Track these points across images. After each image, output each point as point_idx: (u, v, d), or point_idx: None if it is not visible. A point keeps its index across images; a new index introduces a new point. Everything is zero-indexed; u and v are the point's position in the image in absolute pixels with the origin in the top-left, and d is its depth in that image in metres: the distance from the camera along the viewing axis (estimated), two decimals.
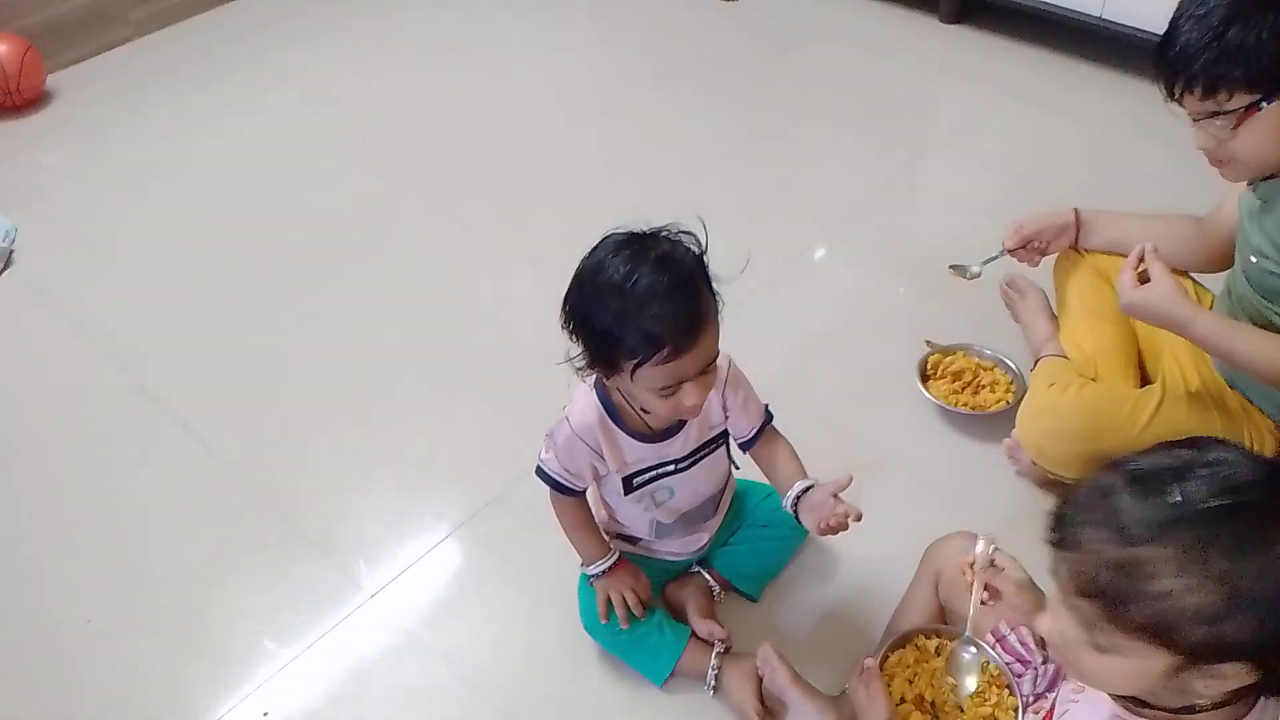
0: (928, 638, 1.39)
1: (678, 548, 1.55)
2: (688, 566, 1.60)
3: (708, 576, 1.59)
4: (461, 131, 2.77)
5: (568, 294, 1.23)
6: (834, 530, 1.33)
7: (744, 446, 1.48)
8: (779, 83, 2.91)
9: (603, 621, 1.47)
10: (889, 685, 1.36)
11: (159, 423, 1.97)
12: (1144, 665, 0.84)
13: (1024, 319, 1.96)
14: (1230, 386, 1.60)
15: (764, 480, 1.51)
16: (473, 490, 1.80)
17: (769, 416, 1.47)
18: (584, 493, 1.46)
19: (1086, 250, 1.80)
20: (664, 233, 1.20)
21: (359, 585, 1.67)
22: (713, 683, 1.47)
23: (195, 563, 1.72)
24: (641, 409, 1.33)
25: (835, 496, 1.34)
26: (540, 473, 1.42)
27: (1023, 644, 1.32)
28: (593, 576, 1.48)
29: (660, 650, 1.49)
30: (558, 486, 1.42)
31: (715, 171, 2.56)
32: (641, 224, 1.22)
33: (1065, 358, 1.76)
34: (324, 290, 2.27)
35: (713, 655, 1.48)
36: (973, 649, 1.34)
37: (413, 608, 1.64)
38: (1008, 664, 1.32)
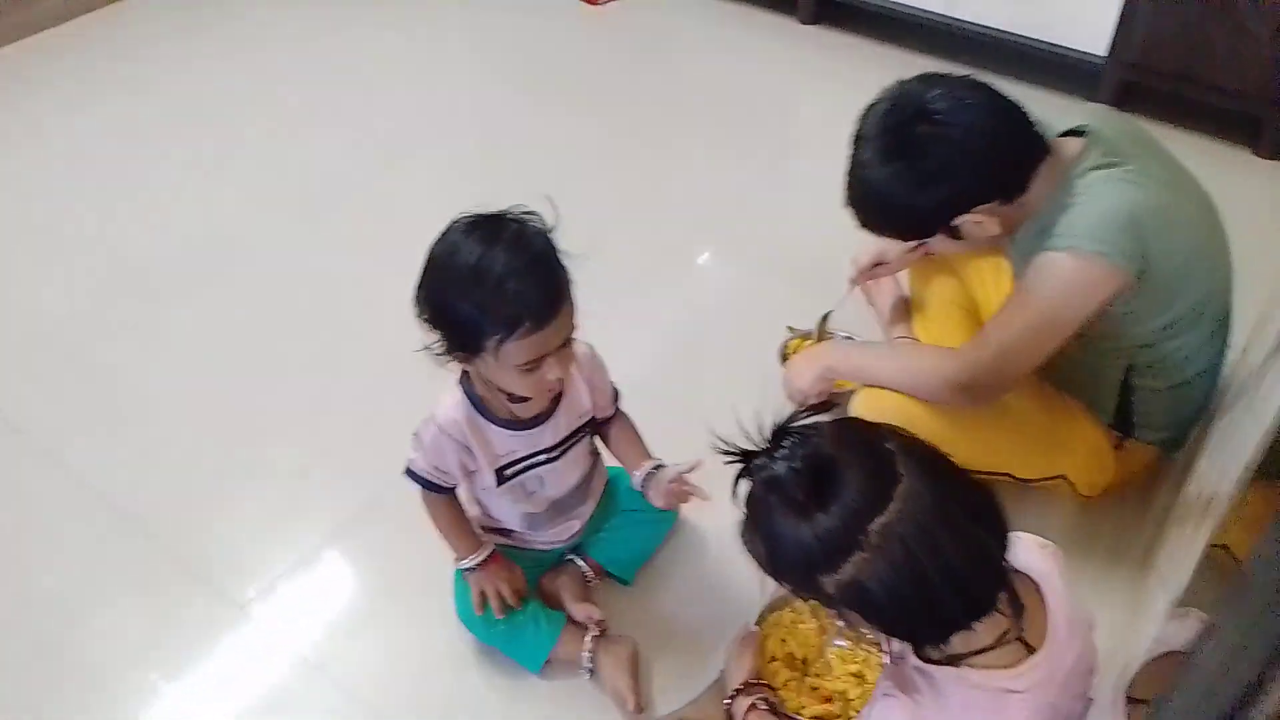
0: (804, 599, 1.45)
1: (550, 537, 1.57)
2: (561, 556, 1.62)
3: (581, 564, 1.61)
4: (326, 145, 2.74)
5: (420, 282, 1.23)
6: (680, 502, 1.44)
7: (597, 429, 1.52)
8: (644, 88, 2.96)
9: (478, 614, 1.48)
10: (763, 644, 1.41)
11: (17, 448, 1.90)
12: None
13: (879, 303, 2.04)
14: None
15: None
16: (345, 498, 1.79)
17: (618, 395, 1.52)
18: (454, 490, 1.47)
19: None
20: (509, 213, 1.22)
21: (235, 603, 1.64)
22: (588, 665, 1.49)
23: (60, 592, 1.66)
24: (509, 397, 1.34)
25: (681, 477, 1.42)
26: (409, 473, 1.43)
27: None
28: (466, 571, 1.49)
29: (536, 639, 1.50)
30: (428, 485, 1.43)
31: (586, 176, 2.60)
32: (485, 207, 1.23)
33: (915, 339, 1.85)
34: (185, 308, 2.22)
35: (588, 639, 1.50)
36: None
37: (290, 618, 1.62)
38: None
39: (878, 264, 1.90)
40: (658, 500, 1.45)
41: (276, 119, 2.85)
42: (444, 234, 1.23)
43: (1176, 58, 2.47)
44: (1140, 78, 2.59)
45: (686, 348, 2.10)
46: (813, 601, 1.42)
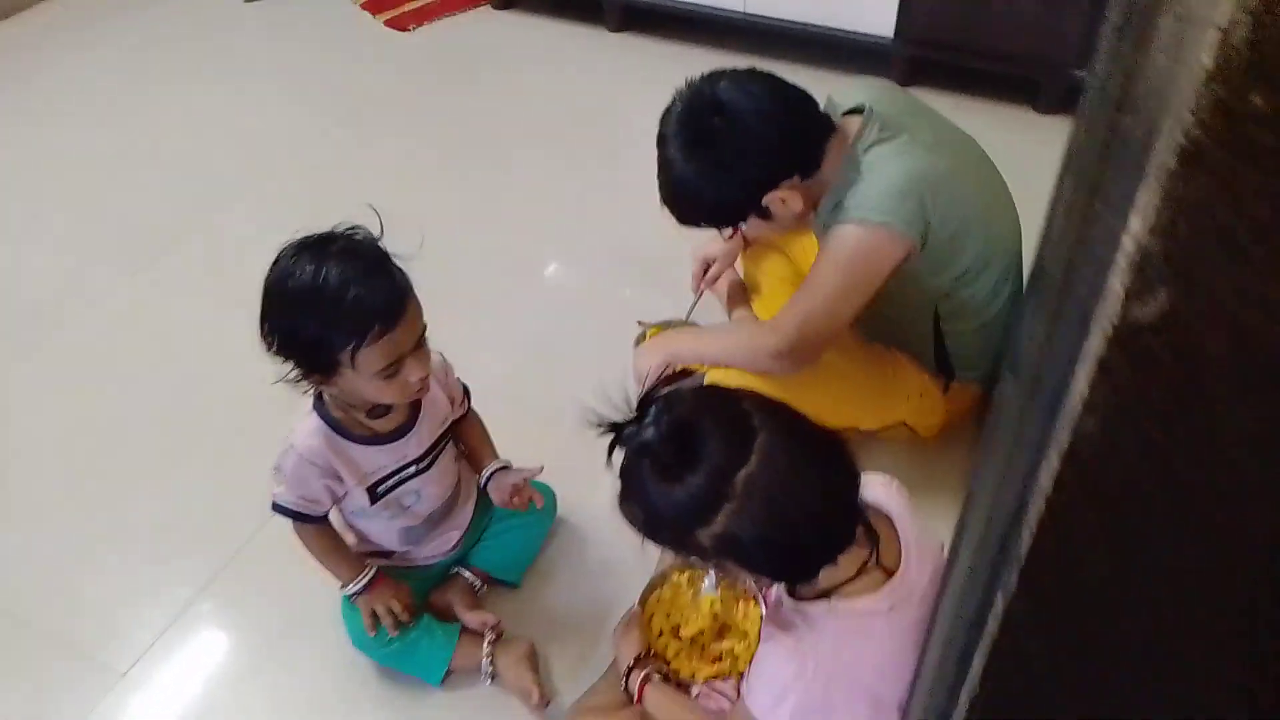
0: (680, 573, 1.52)
1: (430, 551, 1.58)
2: (447, 569, 1.64)
3: (468, 574, 1.63)
4: (147, 194, 2.65)
5: (263, 314, 1.24)
6: (518, 506, 1.54)
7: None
8: (467, 107, 2.99)
9: (371, 635, 1.48)
10: (650, 622, 1.47)
11: None
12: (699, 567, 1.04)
13: (719, 289, 2.15)
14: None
15: None
16: (213, 548, 1.75)
17: (468, 395, 1.57)
18: (325, 518, 1.47)
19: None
20: (334, 230, 1.25)
21: (116, 671, 1.58)
22: (489, 670, 1.51)
23: None
24: (368, 412, 1.36)
25: (525, 482, 1.51)
26: (276, 508, 1.42)
27: None
28: (354, 595, 1.49)
29: (432, 651, 1.51)
30: (297, 516, 1.42)
31: (421, 196, 2.60)
32: (307, 231, 1.26)
33: (756, 317, 1.97)
34: (18, 374, 2.12)
35: (485, 644, 1.52)
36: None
37: (175, 678, 1.58)
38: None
39: (708, 266, 2.01)
40: (497, 498, 1.53)
41: (91, 171, 2.74)
42: (275, 263, 1.24)
43: (957, 31, 2.68)
44: (926, 53, 2.79)
45: (539, 353, 2.14)
46: (689, 569, 1.51)
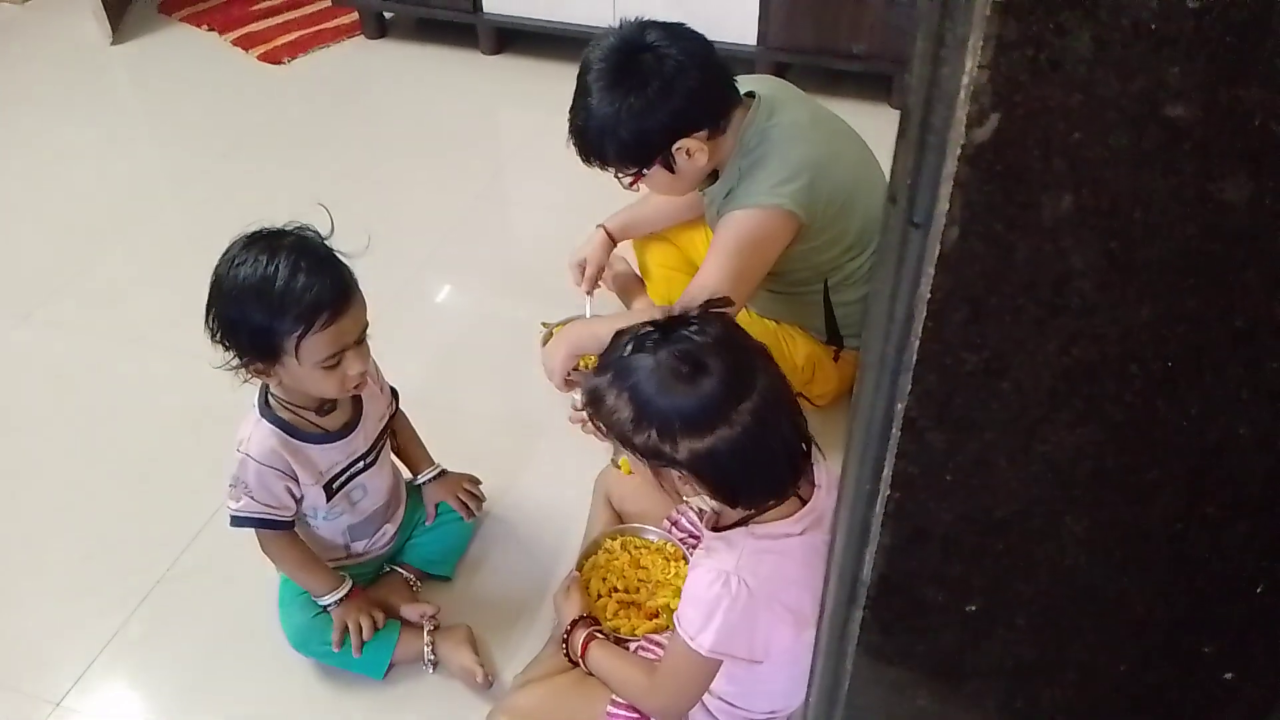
0: (612, 539, 1.60)
1: (365, 546, 1.63)
2: (379, 568, 1.68)
3: (402, 571, 1.68)
4: (28, 241, 2.61)
5: (210, 302, 1.29)
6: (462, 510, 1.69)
7: None
8: (349, 134, 3.03)
9: (336, 650, 1.51)
10: (588, 587, 1.54)
11: None
12: (647, 476, 1.16)
13: (616, 286, 2.25)
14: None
15: None
16: (138, 573, 1.74)
17: (397, 396, 1.64)
18: (293, 524, 1.49)
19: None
20: (285, 227, 1.33)
21: (50, 701, 1.56)
22: (430, 658, 1.55)
23: None
24: (316, 409, 1.41)
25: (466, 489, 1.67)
26: (239, 521, 1.43)
27: (692, 523, 1.58)
28: (330, 606, 1.51)
29: (375, 646, 1.54)
30: (266, 524, 1.44)
31: (311, 218, 2.62)
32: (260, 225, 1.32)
33: (653, 304, 2.08)
34: None
35: (425, 634, 1.56)
36: (652, 535, 1.58)
37: (113, 704, 1.58)
38: (681, 540, 1.57)
39: (584, 268, 2.09)
40: (435, 497, 1.67)
41: None
42: (225, 253, 1.30)
43: (813, 34, 2.87)
44: (788, 59, 2.97)
45: (448, 359, 2.20)
46: (620, 535, 1.60)
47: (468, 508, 1.71)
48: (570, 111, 1.62)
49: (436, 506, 1.71)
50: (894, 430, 0.53)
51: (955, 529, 0.57)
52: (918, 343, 0.49)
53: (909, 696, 0.68)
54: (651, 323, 1.16)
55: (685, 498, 1.18)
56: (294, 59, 3.33)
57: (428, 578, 1.71)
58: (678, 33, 1.58)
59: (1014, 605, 0.61)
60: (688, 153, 1.62)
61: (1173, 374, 0.48)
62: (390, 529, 1.65)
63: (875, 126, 2.83)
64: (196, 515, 1.81)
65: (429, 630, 1.57)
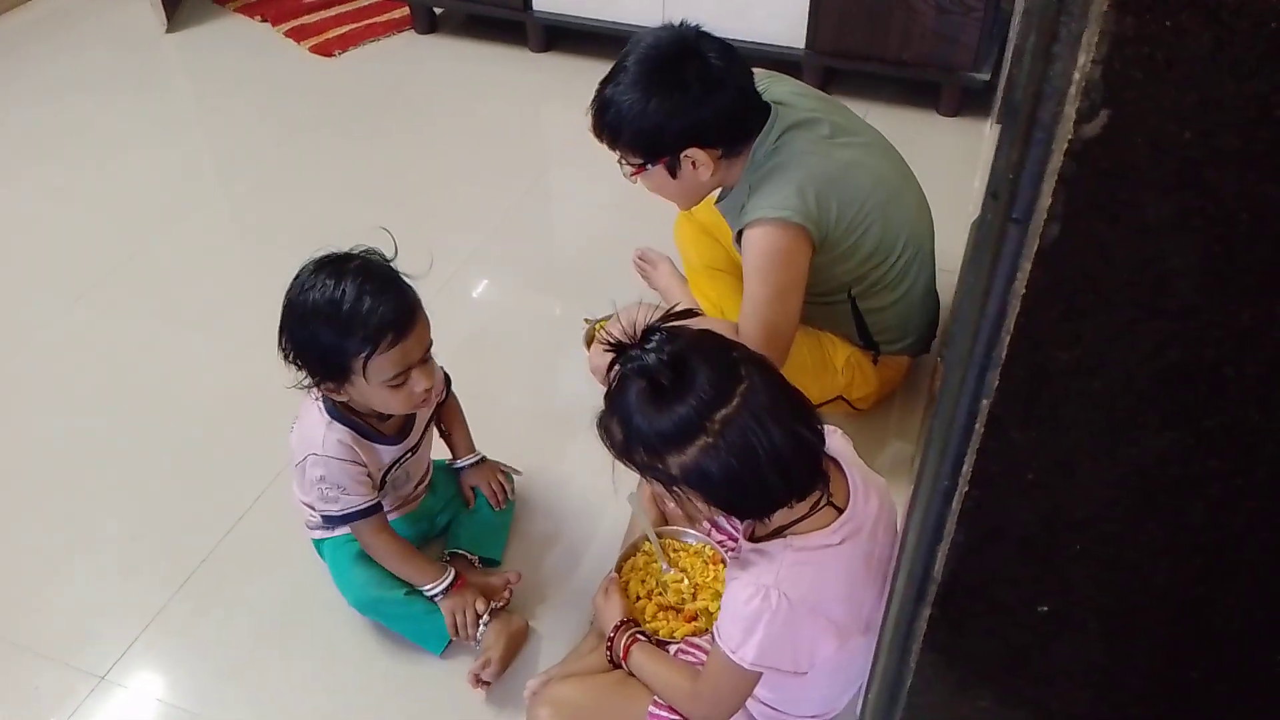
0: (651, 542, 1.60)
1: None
2: (424, 532, 1.71)
3: (465, 554, 1.68)
4: (73, 222, 2.66)
5: (282, 325, 1.34)
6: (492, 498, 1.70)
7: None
8: (398, 128, 3.06)
9: (453, 637, 1.53)
10: (626, 588, 1.55)
11: None
12: (660, 494, 1.15)
13: (659, 285, 2.25)
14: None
15: None
16: (185, 552, 1.77)
17: (449, 380, 1.66)
18: (381, 507, 1.51)
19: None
20: (351, 251, 1.37)
21: (94, 675, 1.59)
22: (481, 630, 1.54)
23: None
24: (379, 415, 1.44)
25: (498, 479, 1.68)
26: (338, 520, 1.47)
27: (734, 525, 1.57)
28: (434, 597, 1.53)
29: (439, 623, 1.54)
30: (366, 513, 1.47)
31: (358, 210, 2.65)
32: (327, 250, 1.36)
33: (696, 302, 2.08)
34: None
35: (485, 609, 1.54)
36: (691, 538, 1.58)
37: (157, 678, 1.60)
38: (720, 542, 1.57)
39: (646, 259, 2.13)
40: (471, 482, 1.70)
41: (16, 202, 2.73)
42: (295, 280, 1.35)
43: (863, 40, 2.86)
44: (836, 63, 2.97)
45: (486, 357, 2.21)
46: (660, 538, 1.60)
47: (495, 496, 1.72)
48: (601, 82, 1.64)
49: (474, 491, 1.73)
50: (977, 427, 0.53)
51: (1032, 529, 0.57)
52: (1009, 338, 0.49)
53: (971, 697, 0.68)
54: (618, 344, 1.14)
55: (701, 514, 1.16)
56: (344, 52, 3.37)
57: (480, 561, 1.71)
58: (728, 51, 1.61)
59: (1087, 608, 0.61)
60: (694, 164, 1.65)
61: (1268, 381, 0.48)
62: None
63: (922, 134, 2.86)
64: (242, 499, 1.84)
65: (494, 606, 1.56)
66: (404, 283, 1.37)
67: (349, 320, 1.29)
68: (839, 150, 1.71)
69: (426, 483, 1.71)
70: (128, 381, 2.15)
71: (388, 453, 1.50)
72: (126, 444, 2.00)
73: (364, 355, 1.30)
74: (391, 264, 1.39)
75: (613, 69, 1.63)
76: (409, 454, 1.55)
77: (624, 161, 1.70)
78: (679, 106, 1.58)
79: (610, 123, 1.63)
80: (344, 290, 1.30)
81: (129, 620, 1.67)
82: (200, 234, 2.62)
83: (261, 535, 1.79)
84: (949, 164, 2.57)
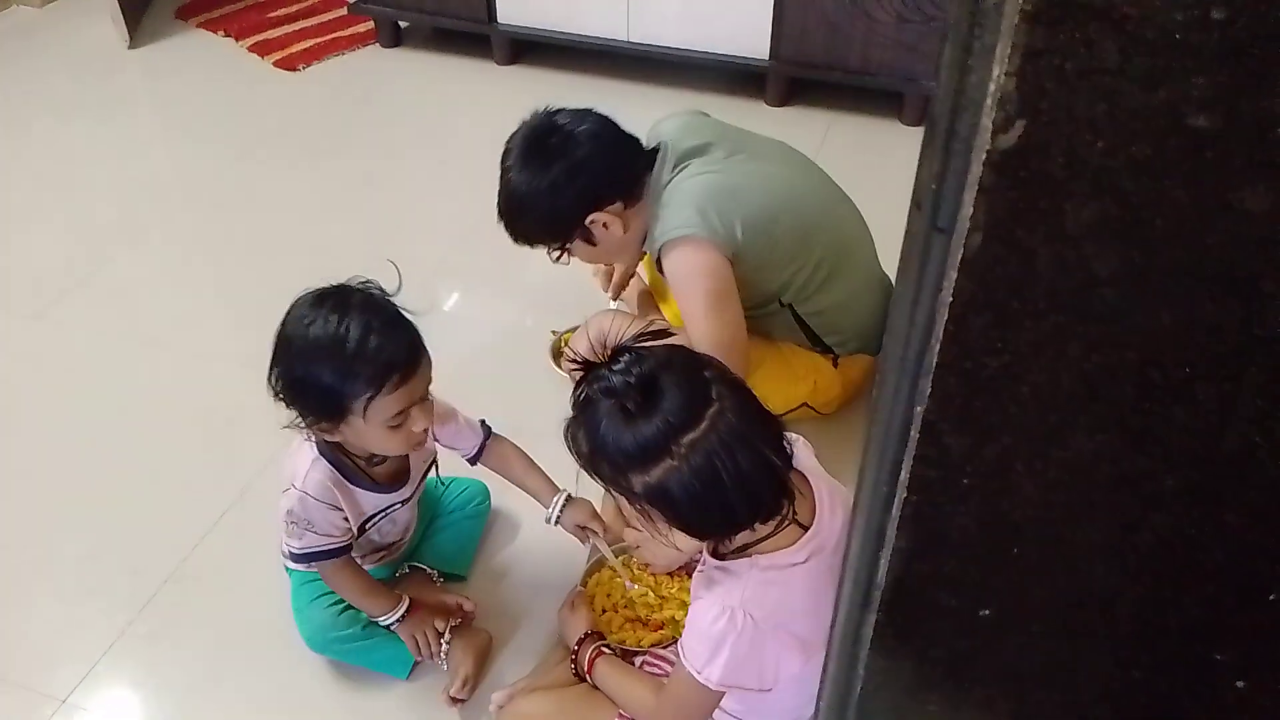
0: (617, 556, 1.60)
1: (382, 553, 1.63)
2: (397, 568, 1.68)
3: (424, 568, 1.67)
4: (34, 238, 2.63)
5: (274, 361, 1.27)
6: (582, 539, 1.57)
7: (472, 461, 1.59)
8: (363, 140, 3.05)
9: (417, 659, 1.51)
10: (592, 602, 1.55)
11: None
12: (624, 508, 1.14)
13: (628, 296, 2.26)
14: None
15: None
16: (145, 574, 1.75)
17: (488, 430, 1.59)
18: (350, 548, 1.47)
19: None
20: (351, 284, 1.31)
21: (55, 698, 1.57)
22: (444, 652, 1.53)
23: None
24: (368, 460, 1.40)
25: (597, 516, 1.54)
26: (303, 558, 1.43)
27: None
28: (394, 624, 1.51)
29: (400, 647, 1.53)
30: (330, 554, 1.43)
31: (325, 226, 2.65)
32: (325, 282, 1.32)
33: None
34: None
35: (445, 629, 1.53)
36: None
37: (120, 701, 1.59)
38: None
39: (610, 274, 2.14)
40: (579, 521, 1.54)
41: None
42: (291, 311, 1.28)
43: (825, 51, 2.89)
44: (799, 73, 2.99)
45: (452, 371, 2.19)
46: (624, 554, 1.60)
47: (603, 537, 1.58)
48: (497, 196, 1.73)
49: (481, 499, 1.76)
50: (912, 433, 0.54)
51: (971, 533, 0.58)
52: (939, 346, 0.50)
53: (921, 701, 0.69)
54: (585, 363, 1.13)
55: (663, 532, 1.13)
56: (309, 66, 3.36)
57: (444, 576, 1.70)
58: (581, 115, 1.71)
59: (1028, 611, 0.61)
60: (604, 225, 1.72)
61: (1192, 381, 0.49)
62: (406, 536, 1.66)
63: (886, 143, 2.88)
64: (205, 516, 1.83)
65: (452, 625, 1.54)
66: (408, 320, 1.31)
67: (354, 360, 1.22)
68: (737, 165, 1.76)
69: (412, 531, 1.66)
70: (87, 400, 2.13)
71: (369, 500, 1.44)
72: (86, 462, 1.98)
73: (367, 396, 1.23)
74: (392, 298, 1.32)
75: (501, 162, 1.73)
76: (398, 505, 1.50)
77: (548, 251, 1.77)
78: (556, 184, 1.66)
79: (515, 225, 1.73)
80: (348, 328, 1.22)
81: (90, 642, 1.65)
82: (162, 250, 2.60)
83: (224, 555, 1.77)
84: (913, 172, 2.58)
